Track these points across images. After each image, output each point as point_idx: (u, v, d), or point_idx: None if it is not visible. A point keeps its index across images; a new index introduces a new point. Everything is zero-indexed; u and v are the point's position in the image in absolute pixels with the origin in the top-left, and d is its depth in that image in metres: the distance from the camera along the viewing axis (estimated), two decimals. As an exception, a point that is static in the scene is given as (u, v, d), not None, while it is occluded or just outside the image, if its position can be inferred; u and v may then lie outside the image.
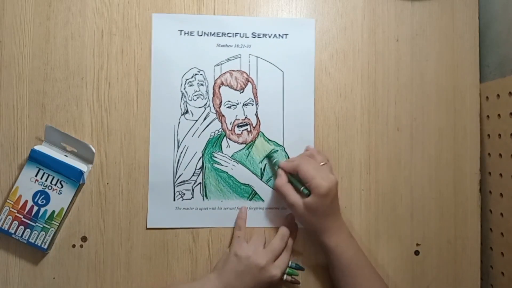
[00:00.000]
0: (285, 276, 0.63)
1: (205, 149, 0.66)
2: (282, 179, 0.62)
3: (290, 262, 0.64)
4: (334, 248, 0.60)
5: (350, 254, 0.60)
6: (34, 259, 0.63)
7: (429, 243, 0.67)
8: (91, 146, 0.63)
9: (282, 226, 0.64)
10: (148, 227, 0.65)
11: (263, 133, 0.67)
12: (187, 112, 0.66)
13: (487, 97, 0.67)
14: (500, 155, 0.64)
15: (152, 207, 0.65)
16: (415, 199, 0.68)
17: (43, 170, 0.62)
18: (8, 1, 0.64)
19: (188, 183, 0.66)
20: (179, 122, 0.66)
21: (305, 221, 0.61)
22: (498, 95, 0.64)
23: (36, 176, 0.62)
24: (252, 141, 0.67)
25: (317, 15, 0.68)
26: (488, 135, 0.67)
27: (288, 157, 0.66)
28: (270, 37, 0.67)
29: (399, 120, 0.68)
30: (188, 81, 0.66)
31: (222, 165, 0.66)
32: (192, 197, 0.66)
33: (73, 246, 0.64)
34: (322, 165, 0.61)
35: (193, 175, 0.66)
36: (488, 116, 0.67)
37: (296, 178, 0.61)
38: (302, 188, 0.60)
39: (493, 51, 0.68)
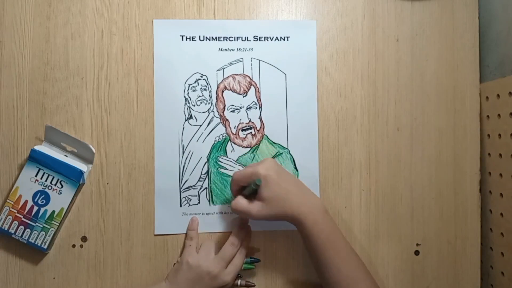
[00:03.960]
0: (238, 281, 0.63)
1: (210, 154, 0.66)
2: (237, 199, 0.60)
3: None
4: (311, 228, 0.57)
5: (326, 233, 0.57)
6: (34, 259, 0.63)
7: (429, 243, 0.67)
8: (91, 146, 0.63)
9: (233, 231, 0.63)
10: (155, 233, 0.65)
11: (267, 136, 0.67)
12: (191, 117, 0.66)
13: (487, 97, 0.67)
14: (500, 155, 0.64)
15: (159, 213, 0.65)
16: (415, 199, 0.68)
17: (43, 170, 0.62)
18: (8, 1, 0.64)
19: (194, 189, 0.66)
20: (183, 128, 0.66)
21: (274, 216, 0.58)
22: (498, 95, 0.64)
23: (36, 176, 0.62)
24: (256, 144, 0.67)
25: (317, 15, 0.68)
26: (488, 135, 0.67)
27: (293, 160, 0.66)
28: (271, 40, 0.67)
29: (399, 120, 0.68)
30: (191, 86, 0.66)
31: (227, 169, 0.66)
32: (199, 202, 0.66)
33: (73, 246, 0.64)
34: None
35: (198, 180, 0.66)
36: (488, 116, 0.67)
37: (243, 190, 0.61)
38: (251, 184, 0.58)
39: (493, 51, 0.68)
